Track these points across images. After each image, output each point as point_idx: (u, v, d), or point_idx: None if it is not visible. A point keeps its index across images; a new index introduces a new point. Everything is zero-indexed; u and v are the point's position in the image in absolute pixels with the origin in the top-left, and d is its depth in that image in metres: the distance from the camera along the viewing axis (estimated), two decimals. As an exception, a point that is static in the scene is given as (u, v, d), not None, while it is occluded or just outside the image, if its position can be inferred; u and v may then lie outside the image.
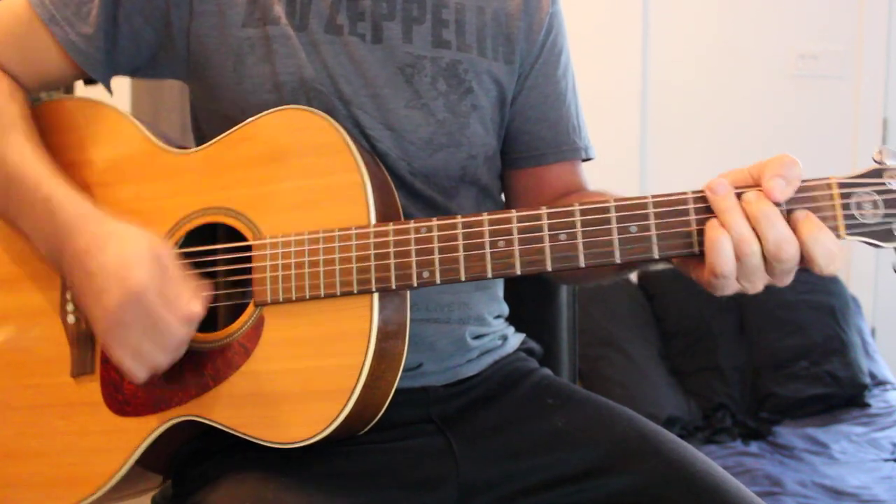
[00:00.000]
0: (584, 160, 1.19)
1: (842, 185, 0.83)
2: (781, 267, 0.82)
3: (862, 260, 2.96)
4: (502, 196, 1.20)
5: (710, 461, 1.00)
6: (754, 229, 0.82)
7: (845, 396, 2.56)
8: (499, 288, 1.18)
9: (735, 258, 0.82)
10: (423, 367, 1.06)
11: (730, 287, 0.84)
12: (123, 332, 0.89)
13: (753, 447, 2.37)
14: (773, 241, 0.81)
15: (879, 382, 2.64)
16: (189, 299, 0.90)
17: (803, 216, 0.82)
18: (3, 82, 1.03)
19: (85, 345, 1.00)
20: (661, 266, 0.97)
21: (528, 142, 1.15)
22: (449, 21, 1.08)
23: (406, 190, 1.05)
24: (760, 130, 2.95)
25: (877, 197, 0.82)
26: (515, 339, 1.19)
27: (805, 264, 0.82)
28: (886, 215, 0.82)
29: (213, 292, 0.97)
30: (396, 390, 0.95)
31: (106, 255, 0.90)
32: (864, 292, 2.94)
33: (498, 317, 1.16)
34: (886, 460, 2.26)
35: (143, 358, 0.90)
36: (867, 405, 2.55)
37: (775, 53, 2.97)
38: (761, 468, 2.21)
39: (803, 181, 0.83)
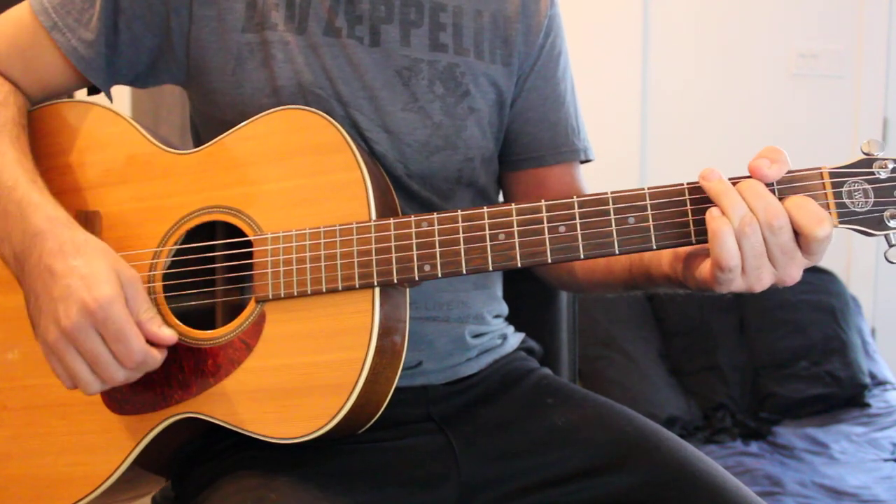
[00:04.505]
0: (584, 162, 1.19)
1: (833, 175, 0.85)
2: (777, 240, 0.82)
3: (862, 260, 2.96)
4: (500, 198, 1.20)
5: (710, 460, 1.00)
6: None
7: (845, 396, 2.56)
8: (498, 287, 1.18)
9: (738, 247, 0.82)
10: (423, 366, 1.06)
11: (735, 282, 0.84)
12: (84, 338, 0.87)
13: (753, 447, 2.37)
14: (762, 211, 0.82)
15: (879, 382, 2.64)
16: (159, 325, 0.91)
17: (790, 196, 0.84)
18: (2, 88, 1.03)
19: (83, 344, 1.00)
20: (671, 290, 0.98)
21: (528, 143, 1.15)
22: (447, 24, 1.08)
23: (403, 192, 1.05)
24: (760, 130, 2.95)
25: (867, 186, 0.84)
26: (515, 339, 1.19)
27: (800, 239, 0.83)
28: (876, 203, 0.84)
29: (213, 288, 0.97)
30: (396, 389, 0.95)
31: (76, 260, 0.89)
32: (864, 292, 2.94)
33: (497, 316, 1.16)
34: (886, 460, 2.26)
35: (101, 368, 0.89)
36: (867, 405, 2.55)
37: (775, 53, 2.98)
38: (761, 468, 2.21)
39: (795, 170, 0.85)
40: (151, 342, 0.90)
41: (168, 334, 0.91)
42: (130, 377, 0.91)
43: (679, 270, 0.93)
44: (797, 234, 0.83)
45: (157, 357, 0.91)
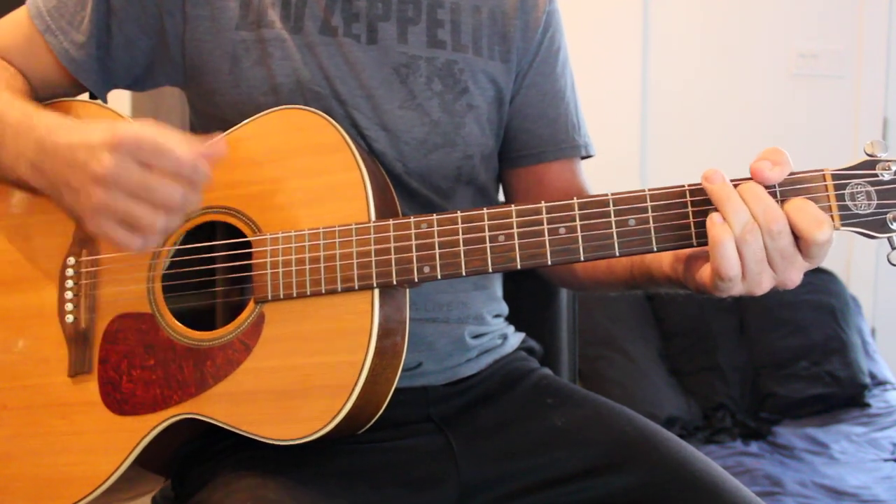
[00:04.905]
0: (585, 157, 1.19)
1: (835, 177, 0.84)
2: (775, 244, 0.82)
3: (862, 260, 2.96)
4: (500, 196, 1.20)
5: (709, 461, 1.00)
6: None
7: (845, 396, 2.56)
8: (497, 287, 1.18)
9: (738, 256, 0.82)
10: (423, 367, 1.06)
11: (735, 288, 0.84)
12: (125, 172, 0.82)
13: (753, 447, 2.37)
14: (760, 214, 0.82)
15: (879, 382, 2.64)
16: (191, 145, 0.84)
17: (791, 198, 0.83)
18: (11, 68, 1.05)
19: (83, 344, 1.00)
20: (672, 290, 0.98)
21: (528, 140, 1.15)
22: (444, 21, 1.08)
23: (402, 190, 1.05)
24: (760, 130, 2.95)
25: (870, 188, 0.83)
26: (515, 339, 1.18)
27: (799, 242, 0.83)
28: (879, 206, 0.83)
29: (213, 289, 0.97)
30: (396, 389, 0.95)
31: (89, 125, 0.86)
32: (864, 292, 2.94)
33: (497, 316, 1.16)
34: (886, 460, 2.26)
35: (153, 192, 0.83)
36: (867, 405, 2.55)
37: (775, 53, 2.98)
38: (761, 468, 2.21)
39: (798, 172, 0.84)
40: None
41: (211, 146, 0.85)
42: (187, 200, 0.85)
43: (680, 271, 0.93)
44: (797, 237, 0.82)
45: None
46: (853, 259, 2.96)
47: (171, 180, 0.83)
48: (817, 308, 2.68)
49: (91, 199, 0.84)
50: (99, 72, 1.06)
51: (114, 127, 0.84)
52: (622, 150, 2.95)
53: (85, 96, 1.10)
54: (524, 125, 1.15)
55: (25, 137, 0.91)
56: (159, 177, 0.83)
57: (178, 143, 0.84)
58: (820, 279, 2.75)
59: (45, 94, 1.07)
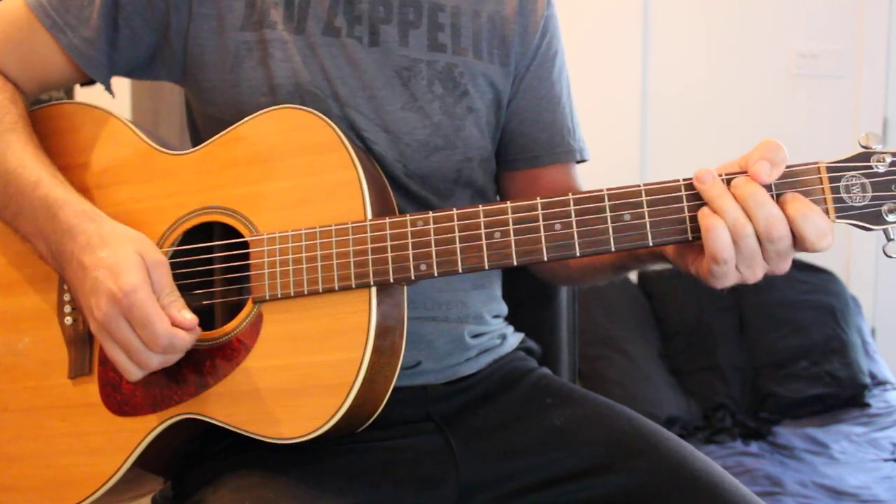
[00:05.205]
0: (580, 162, 1.19)
1: (830, 169, 0.84)
2: (774, 248, 0.83)
3: (862, 260, 2.96)
4: (497, 198, 1.20)
5: (708, 460, 1.00)
6: (745, 212, 0.83)
7: (845, 396, 2.56)
8: (497, 287, 1.18)
9: (733, 242, 0.82)
10: (422, 366, 1.06)
11: (730, 275, 0.85)
12: (115, 327, 0.89)
13: (753, 447, 2.37)
14: (762, 221, 0.82)
15: (879, 382, 2.64)
16: (179, 308, 0.91)
17: (791, 196, 0.83)
18: (6, 88, 1.04)
19: (83, 346, 1.00)
20: (659, 266, 0.97)
21: (523, 144, 1.16)
22: (445, 25, 1.08)
23: (402, 192, 1.05)
24: (760, 130, 2.94)
25: (864, 180, 0.83)
26: (514, 339, 1.19)
27: (798, 244, 0.83)
28: (874, 198, 0.83)
29: (211, 289, 0.98)
30: (395, 388, 0.95)
31: (102, 251, 0.91)
32: (864, 292, 2.94)
33: (496, 316, 1.16)
34: (886, 460, 2.27)
35: (134, 355, 0.90)
36: (867, 405, 2.55)
37: (775, 53, 2.98)
38: (761, 468, 2.21)
39: (793, 165, 0.84)
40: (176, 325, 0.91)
41: (188, 318, 0.91)
42: (166, 360, 0.92)
43: (670, 253, 0.93)
44: (795, 237, 0.83)
45: (185, 338, 0.91)
46: (853, 259, 2.96)
47: (148, 347, 0.90)
48: (817, 308, 2.69)
49: (90, 327, 0.93)
50: (107, 65, 1.07)
51: (120, 277, 0.89)
52: (622, 151, 2.95)
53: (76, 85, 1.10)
54: (520, 129, 1.15)
55: (45, 221, 0.95)
56: (139, 341, 0.90)
57: (161, 318, 0.89)
58: (820, 279, 2.75)
59: (37, 92, 1.07)
